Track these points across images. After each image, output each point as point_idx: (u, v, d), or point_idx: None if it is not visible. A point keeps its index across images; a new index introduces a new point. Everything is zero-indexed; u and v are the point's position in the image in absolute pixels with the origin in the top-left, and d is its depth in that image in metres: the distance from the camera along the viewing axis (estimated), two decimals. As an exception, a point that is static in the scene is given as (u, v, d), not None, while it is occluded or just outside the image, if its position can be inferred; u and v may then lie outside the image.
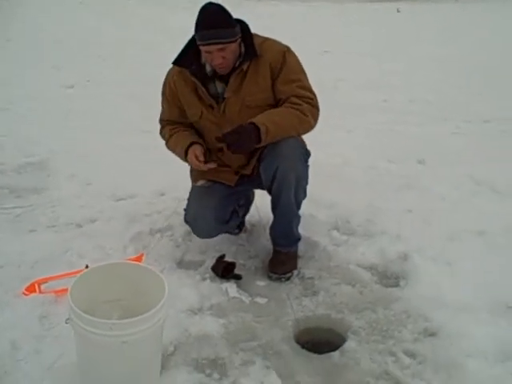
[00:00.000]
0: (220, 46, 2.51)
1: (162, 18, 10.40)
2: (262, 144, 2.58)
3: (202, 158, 2.69)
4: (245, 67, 2.62)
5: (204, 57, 2.62)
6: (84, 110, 5.44)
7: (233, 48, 2.56)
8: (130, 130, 4.91)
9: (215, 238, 2.98)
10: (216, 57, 2.54)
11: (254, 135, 2.52)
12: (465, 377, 2.20)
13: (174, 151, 2.87)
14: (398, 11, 12.19)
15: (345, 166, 4.18)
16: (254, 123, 2.53)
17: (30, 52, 7.60)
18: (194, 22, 2.53)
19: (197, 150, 2.71)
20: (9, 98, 5.62)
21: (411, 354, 2.33)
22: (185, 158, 2.76)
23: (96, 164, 4.15)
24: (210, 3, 2.54)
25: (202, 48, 2.55)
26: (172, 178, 3.50)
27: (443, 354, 2.32)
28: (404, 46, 8.78)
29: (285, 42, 2.77)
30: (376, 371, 2.25)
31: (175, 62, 2.72)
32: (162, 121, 2.97)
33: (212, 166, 2.71)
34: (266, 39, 2.71)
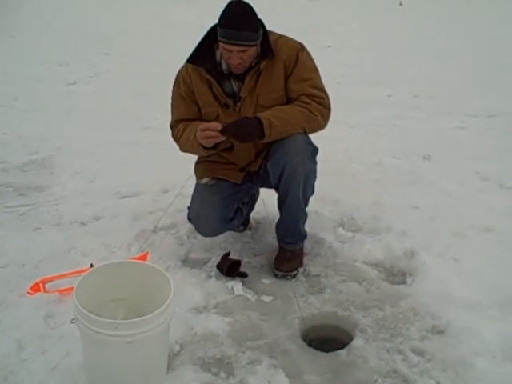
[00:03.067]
0: (242, 48, 2.48)
1: (165, 11, 10.35)
2: (267, 139, 2.56)
3: (217, 126, 2.51)
4: (261, 66, 2.60)
5: (222, 53, 2.58)
6: (87, 106, 5.42)
7: (253, 51, 2.54)
8: (134, 126, 4.89)
9: (220, 236, 2.96)
10: (235, 57, 2.51)
11: (255, 129, 2.51)
12: (473, 375, 2.19)
13: (187, 142, 2.69)
14: (401, 5, 12.14)
15: (349, 162, 4.17)
16: (258, 117, 2.52)
17: (33, 48, 7.57)
18: (219, 15, 2.50)
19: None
20: (12, 95, 5.59)
21: (419, 352, 2.32)
22: (198, 143, 2.59)
23: (100, 161, 4.14)
24: (241, 1, 2.50)
25: (222, 45, 2.51)
26: (176, 175, 3.48)
27: (451, 351, 2.31)
28: (407, 40, 8.73)
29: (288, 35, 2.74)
30: (384, 369, 2.24)
31: (189, 60, 2.67)
32: (175, 122, 2.81)
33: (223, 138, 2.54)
34: (280, 36, 2.68)
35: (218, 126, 2.51)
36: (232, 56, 2.51)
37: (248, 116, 2.57)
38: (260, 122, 2.51)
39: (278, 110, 2.60)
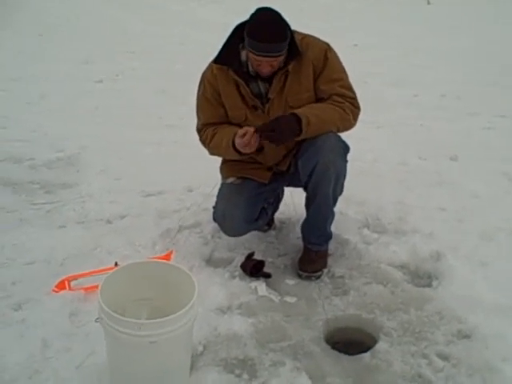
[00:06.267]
0: (272, 59, 2.47)
1: (190, 10, 10.38)
2: (302, 136, 2.55)
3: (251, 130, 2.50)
4: (290, 68, 2.57)
5: (250, 61, 2.55)
6: (113, 104, 5.46)
7: (282, 58, 2.52)
8: (160, 125, 4.91)
9: (244, 236, 2.95)
10: (264, 66, 2.50)
11: (294, 126, 2.49)
12: (501, 381, 2.16)
13: (219, 148, 2.69)
14: (429, 3, 11.99)
15: (375, 162, 4.13)
16: (295, 114, 2.51)
17: (60, 47, 7.64)
18: (247, 22, 2.46)
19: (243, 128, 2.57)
20: (40, 93, 5.65)
21: (444, 357, 2.28)
22: (233, 147, 2.58)
23: (125, 159, 4.16)
24: (269, 10, 2.45)
25: (251, 55, 2.48)
26: (201, 173, 3.49)
27: (478, 357, 2.27)
28: (435, 39, 8.61)
29: (314, 34, 2.72)
30: (408, 374, 2.21)
31: (216, 60, 2.65)
32: (202, 125, 2.78)
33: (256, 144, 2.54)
34: (306, 36, 2.66)
35: (252, 131, 2.49)
36: (261, 65, 2.50)
37: (284, 114, 2.55)
38: (298, 119, 2.49)
39: (313, 107, 2.59)
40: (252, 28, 2.44)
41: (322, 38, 2.73)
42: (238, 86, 2.64)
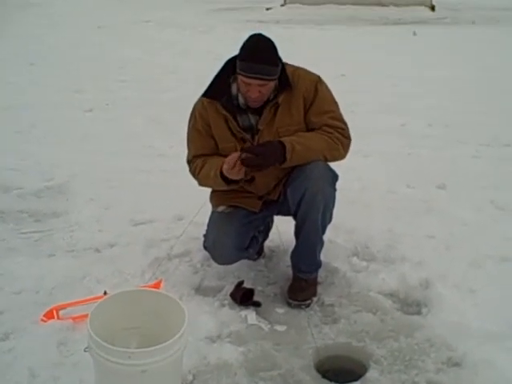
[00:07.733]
0: (261, 82, 2.50)
1: (181, 41, 10.50)
2: (287, 164, 2.58)
3: (236, 156, 2.52)
4: (280, 100, 2.61)
5: (239, 86, 2.60)
6: (103, 133, 5.46)
7: (272, 85, 2.56)
8: (149, 154, 4.92)
9: (234, 264, 2.95)
10: (253, 90, 2.53)
11: (278, 152, 2.53)
12: (491, 409, 2.16)
13: (207, 178, 2.72)
14: (415, 34, 12.17)
15: (363, 190, 4.15)
16: (280, 141, 2.54)
17: (51, 76, 7.67)
18: (240, 48, 2.52)
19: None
20: (32, 122, 5.66)
21: (435, 385, 2.28)
22: (220, 177, 2.61)
23: (115, 188, 4.16)
24: (262, 35, 2.53)
25: (242, 78, 2.52)
26: (190, 202, 3.48)
27: (468, 384, 2.27)
28: (421, 69, 8.73)
29: (301, 65, 2.77)
30: (399, 402, 2.20)
31: (205, 94, 2.69)
32: (192, 157, 2.81)
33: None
34: (297, 68, 2.70)
35: (237, 155, 2.51)
36: (250, 89, 2.53)
37: (269, 140, 2.59)
38: (283, 146, 2.53)
39: (300, 136, 2.62)
40: (244, 50, 2.51)
41: (309, 67, 2.77)
42: (226, 120, 2.68)
